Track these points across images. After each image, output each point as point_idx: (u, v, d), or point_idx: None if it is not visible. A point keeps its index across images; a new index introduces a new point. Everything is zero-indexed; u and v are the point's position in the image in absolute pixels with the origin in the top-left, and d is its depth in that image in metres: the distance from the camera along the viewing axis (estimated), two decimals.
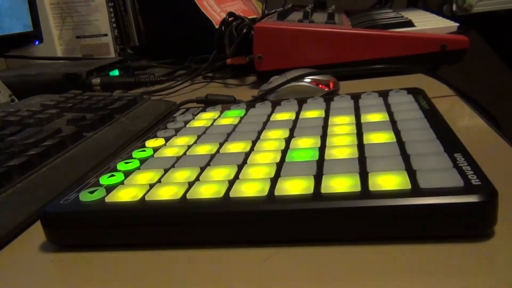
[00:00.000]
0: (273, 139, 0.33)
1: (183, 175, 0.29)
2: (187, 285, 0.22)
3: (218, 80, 0.72)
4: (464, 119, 0.43)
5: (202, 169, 0.29)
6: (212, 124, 0.40)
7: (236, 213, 0.24)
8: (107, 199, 0.27)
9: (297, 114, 0.39)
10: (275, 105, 0.43)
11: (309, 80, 0.50)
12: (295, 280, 0.21)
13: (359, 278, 0.21)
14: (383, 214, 0.23)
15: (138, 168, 0.31)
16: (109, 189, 0.28)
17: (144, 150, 0.35)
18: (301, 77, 0.50)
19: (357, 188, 0.24)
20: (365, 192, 0.24)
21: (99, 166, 0.33)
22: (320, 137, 0.32)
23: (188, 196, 0.26)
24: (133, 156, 0.34)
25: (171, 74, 0.77)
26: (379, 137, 0.30)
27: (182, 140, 0.36)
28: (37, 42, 0.78)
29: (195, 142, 0.35)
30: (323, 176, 0.25)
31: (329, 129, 0.34)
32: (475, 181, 0.23)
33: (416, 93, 0.40)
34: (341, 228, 0.23)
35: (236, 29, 0.69)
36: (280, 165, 0.28)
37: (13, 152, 0.36)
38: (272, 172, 0.27)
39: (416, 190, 0.23)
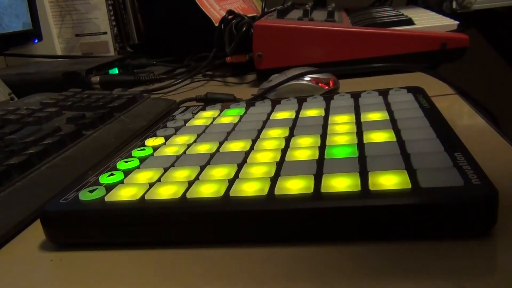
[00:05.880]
0: (273, 138, 0.33)
1: (183, 174, 0.29)
2: (187, 284, 0.22)
3: (217, 78, 0.72)
4: (464, 118, 0.43)
5: (202, 168, 0.29)
6: (212, 122, 0.40)
7: (236, 213, 0.24)
8: (107, 198, 0.27)
9: (297, 112, 0.39)
10: (275, 103, 0.42)
11: (309, 78, 0.50)
12: (295, 280, 0.21)
13: (358, 278, 0.21)
14: (383, 214, 0.23)
15: (137, 167, 0.31)
16: (109, 188, 0.28)
17: (144, 149, 0.35)
18: (301, 76, 0.50)
19: (357, 187, 0.24)
20: (365, 191, 0.23)
21: (99, 165, 0.33)
22: (320, 136, 0.32)
23: (188, 195, 0.26)
24: (133, 155, 0.34)
25: (170, 72, 0.76)
26: (379, 136, 0.30)
27: (181, 139, 0.36)
28: (36, 40, 0.78)
29: (195, 141, 0.35)
30: (323, 176, 0.25)
31: (329, 128, 0.34)
32: (475, 180, 0.23)
33: (416, 91, 0.40)
34: (341, 228, 0.23)
35: (235, 27, 0.69)
36: (280, 164, 0.28)
37: (12, 150, 0.36)
38: (272, 171, 0.27)
39: (416, 189, 0.23)
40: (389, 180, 0.24)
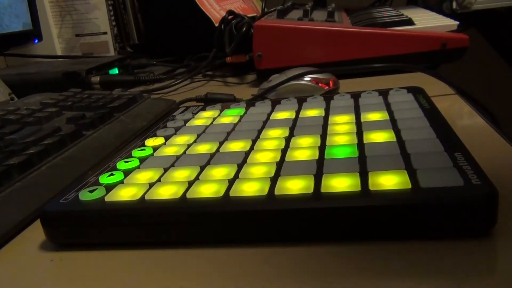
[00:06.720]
0: (273, 138, 0.33)
1: (182, 174, 0.29)
2: (187, 284, 0.22)
3: (217, 78, 0.72)
4: (464, 118, 0.43)
5: (202, 168, 0.29)
6: (212, 122, 0.40)
7: (236, 213, 0.24)
8: (107, 198, 0.27)
9: (297, 113, 0.39)
10: (275, 103, 0.42)
11: (309, 78, 0.50)
12: (295, 280, 0.21)
13: (358, 278, 0.21)
14: (383, 214, 0.23)
15: (137, 167, 0.31)
16: (109, 188, 0.28)
17: (144, 149, 0.35)
18: (301, 76, 0.50)
19: (357, 187, 0.24)
20: (365, 191, 0.23)
21: (99, 165, 0.33)
22: (320, 136, 0.32)
23: (188, 195, 0.26)
24: (133, 155, 0.34)
25: (170, 72, 0.76)
26: (379, 136, 0.30)
27: (181, 139, 0.36)
28: (36, 41, 0.78)
29: (194, 141, 0.35)
30: (323, 176, 0.25)
31: (329, 128, 0.34)
32: (475, 180, 0.23)
33: (416, 92, 0.40)
34: (341, 228, 0.23)
35: (235, 27, 0.69)
36: (280, 164, 0.28)
37: (12, 150, 0.36)
38: (272, 171, 0.27)
39: (416, 189, 0.23)
40: (389, 180, 0.24)
